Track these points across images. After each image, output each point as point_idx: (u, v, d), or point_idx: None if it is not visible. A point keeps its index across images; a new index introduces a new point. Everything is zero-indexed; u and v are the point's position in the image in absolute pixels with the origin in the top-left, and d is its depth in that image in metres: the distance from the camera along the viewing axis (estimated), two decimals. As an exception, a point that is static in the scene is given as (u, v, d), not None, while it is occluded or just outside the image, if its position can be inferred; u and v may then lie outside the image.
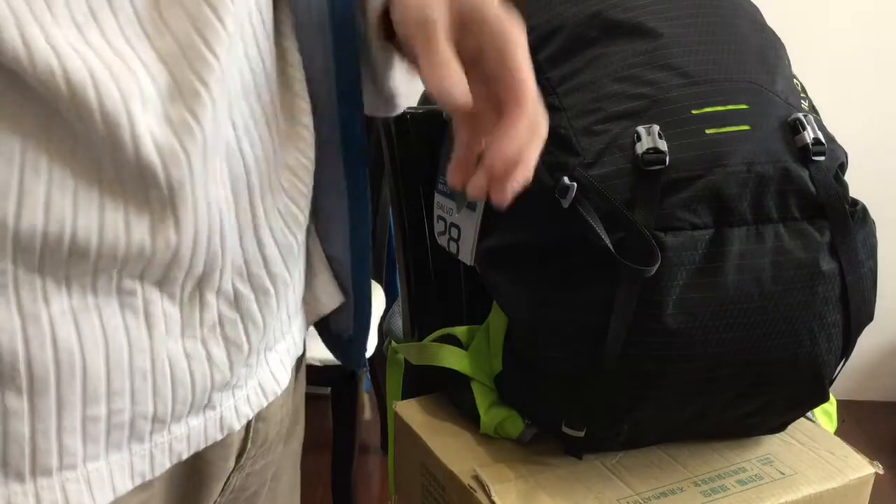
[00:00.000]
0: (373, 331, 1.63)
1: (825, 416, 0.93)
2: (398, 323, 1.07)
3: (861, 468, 0.82)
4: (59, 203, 0.36)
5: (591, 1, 0.77)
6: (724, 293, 0.69)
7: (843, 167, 0.75)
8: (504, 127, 0.43)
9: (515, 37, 0.44)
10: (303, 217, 0.50)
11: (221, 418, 0.48)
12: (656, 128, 0.69)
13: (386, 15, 0.49)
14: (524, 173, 0.43)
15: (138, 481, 0.44)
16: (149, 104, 0.37)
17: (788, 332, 0.72)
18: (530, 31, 0.78)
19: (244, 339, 0.47)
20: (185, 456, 0.47)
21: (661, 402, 0.74)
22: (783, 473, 0.80)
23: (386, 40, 0.52)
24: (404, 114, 0.96)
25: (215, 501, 0.53)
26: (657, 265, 0.66)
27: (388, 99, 0.57)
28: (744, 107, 0.71)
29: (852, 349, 0.77)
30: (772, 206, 0.70)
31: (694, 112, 0.70)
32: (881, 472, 0.82)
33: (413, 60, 0.49)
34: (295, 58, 0.48)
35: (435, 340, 0.91)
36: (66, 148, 0.36)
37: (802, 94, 0.78)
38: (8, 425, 0.38)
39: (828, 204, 0.72)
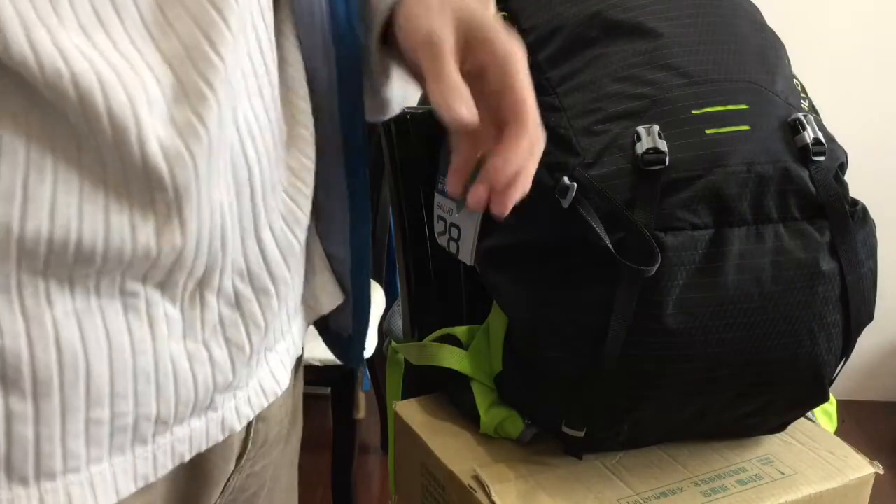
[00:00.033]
0: (373, 331, 1.62)
1: (825, 416, 0.93)
2: (398, 323, 1.07)
3: (861, 468, 0.82)
4: (64, 207, 0.36)
5: (591, 1, 0.77)
6: (724, 293, 0.69)
7: (843, 167, 0.75)
8: (506, 146, 0.44)
9: (518, 57, 0.45)
10: (304, 217, 0.50)
11: (223, 419, 0.48)
12: (656, 128, 0.69)
13: (388, 25, 0.50)
14: (524, 187, 0.45)
15: (141, 483, 0.44)
16: (154, 107, 0.37)
17: (788, 332, 0.72)
18: (530, 32, 0.79)
19: (246, 340, 0.47)
20: (187, 457, 0.47)
21: (661, 402, 0.74)
22: (783, 473, 0.80)
23: (384, 44, 0.52)
24: (404, 114, 0.96)
25: (215, 502, 0.53)
26: (657, 265, 0.66)
27: (383, 104, 0.57)
28: (744, 107, 0.71)
29: (852, 349, 0.77)
30: (772, 206, 0.70)
31: (694, 112, 0.70)
32: (881, 472, 0.82)
33: (414, 69, 0.49)
34: (295, 58, 0.48)
35: (435, 340, 0.91)
36: (72, 151, 0.36)
37: (802, 94, 0.78)
38: (12, 429, 0.38)
39: (828, 204, 0.72)
